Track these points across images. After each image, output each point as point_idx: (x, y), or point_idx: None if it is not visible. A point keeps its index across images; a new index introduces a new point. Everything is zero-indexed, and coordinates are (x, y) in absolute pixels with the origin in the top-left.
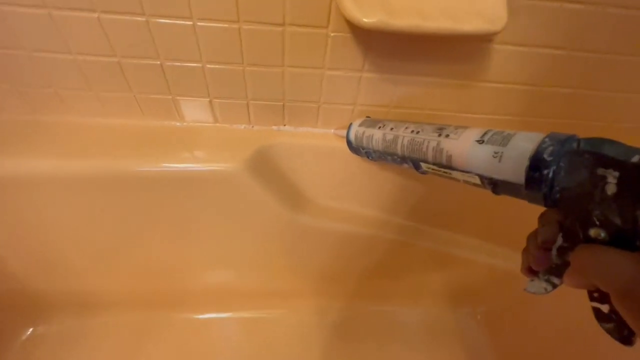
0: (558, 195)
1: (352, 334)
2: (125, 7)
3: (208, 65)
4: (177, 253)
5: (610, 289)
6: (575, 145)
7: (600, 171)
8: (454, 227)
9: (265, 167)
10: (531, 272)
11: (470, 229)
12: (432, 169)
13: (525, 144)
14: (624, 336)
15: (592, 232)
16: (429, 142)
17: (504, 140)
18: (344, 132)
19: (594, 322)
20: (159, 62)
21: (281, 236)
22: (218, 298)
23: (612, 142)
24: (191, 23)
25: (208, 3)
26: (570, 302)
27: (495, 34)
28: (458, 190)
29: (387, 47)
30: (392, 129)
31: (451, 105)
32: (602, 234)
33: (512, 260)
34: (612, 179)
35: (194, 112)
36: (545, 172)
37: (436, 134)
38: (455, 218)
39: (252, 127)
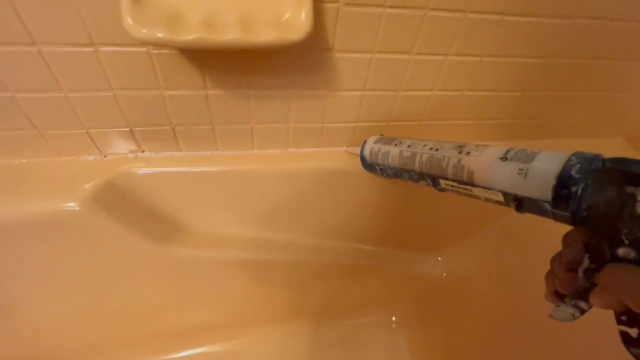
0: (585, 214)
1: (318, 353)
2: None
3: (19, 95)
4: (55, 306)
5: None
6: (600, 163)
7: (629, 189)
8: (364, 239)
9: (121, 200)
10: (557, 296)
11: (382, 238)
12: (452, 186)
13: (551, 161)
14: None
15: (621, 251)
16: (449, 158)
17: (529, 157)
18: (357, 150)
19: (524, 320)
20: None
21: (169, 272)
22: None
23: (639, 161)
24: None
25: None
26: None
27: (297, 43)
28: (360, 201)
29: (219, 62)
30: (409, 146)
31: (314, 116)
32: (632, 254)
33: (426, 264)
34: None
35: (28, 147)
36: (574, 189)
37: (456, 151)
38: (364, 230)
39: (105, 156)
